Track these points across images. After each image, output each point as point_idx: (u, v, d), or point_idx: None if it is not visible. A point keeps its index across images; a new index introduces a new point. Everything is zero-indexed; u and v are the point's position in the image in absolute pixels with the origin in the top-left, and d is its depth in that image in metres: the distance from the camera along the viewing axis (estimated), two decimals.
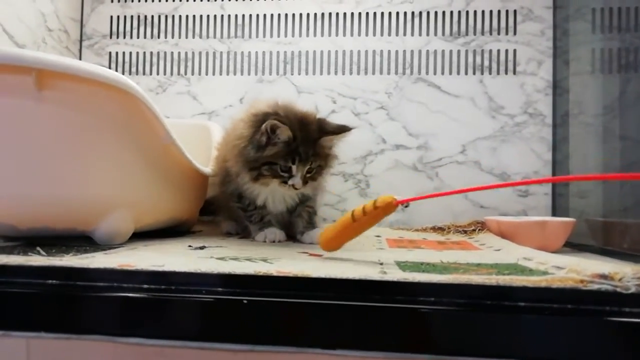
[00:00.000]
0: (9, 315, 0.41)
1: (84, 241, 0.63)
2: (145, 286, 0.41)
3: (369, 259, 0.56)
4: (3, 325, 0.41)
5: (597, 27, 0.93)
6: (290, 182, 0.69)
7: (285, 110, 0.70)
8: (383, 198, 0.53)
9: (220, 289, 0.40)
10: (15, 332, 0.41)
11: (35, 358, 0.40)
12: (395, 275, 0.42)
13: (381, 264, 0.52)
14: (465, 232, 0.88)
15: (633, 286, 0.37)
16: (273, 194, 0.73)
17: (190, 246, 0.64)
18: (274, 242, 0.72)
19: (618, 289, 0.37)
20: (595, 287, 0.37)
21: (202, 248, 0.62)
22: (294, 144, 0.68)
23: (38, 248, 0.53)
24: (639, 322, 0.35)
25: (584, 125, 0.96)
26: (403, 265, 0.51)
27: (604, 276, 0.38)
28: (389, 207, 0.53)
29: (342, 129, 0.71)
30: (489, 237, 0.79)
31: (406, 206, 0.55)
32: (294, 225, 0.76)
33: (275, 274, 0.41)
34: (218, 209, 0.88)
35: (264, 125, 0.66)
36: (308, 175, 0.70)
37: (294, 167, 0.68)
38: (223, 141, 0.83)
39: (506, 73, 1.03)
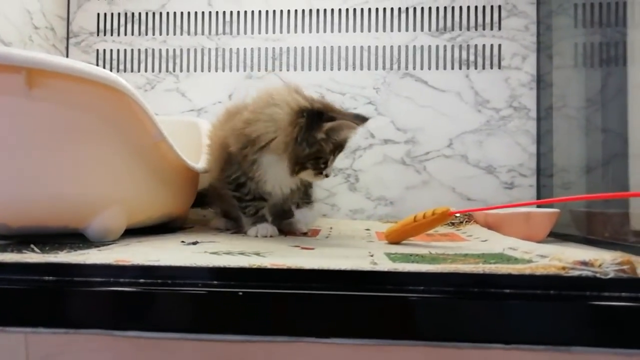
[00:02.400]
0: (6, 311, 0.42)
1: (76, 238, 0.64)
2: (142, 280, 0.42)
3: (360, 251, 0.57)
4: (1, 321, 0.41)
5: (579, 22, 0.95)
6: (325, 172, 0.71)
7: (329, 107, 0.70)
8: (440, 208, 0.63)
9: (215, 282, 0.41)
10: (13, 328, 0.41)
11: (33, 352, 0.41)
12: (386, 265, 0.44)
13: (371, 255, 0.53)
14: (453, 224, 0.90)
15: (612, 272, 0.38)
16: (281, 181, 0.73)
17: (183, 242, 0.64)
18: (265, 237, 0.72)
19: (598, 275, 0.38)
20: (576, 273, 0.39)
21: (195, 243, 0.63)
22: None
23: (32, 246, 0.53)
24: (617, 306, 0.37)
25: (567, 118, 0.98)
26: (393, 257, 0.52)
27: (584, 263, 0.40)
28: (444, 216, 0.63)
29: (361, 119, 0.72)
30: (475, 228, 0.81)
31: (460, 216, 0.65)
32: (290, 202, 0.77)
33: (269, 266, 0.42)
34: (211, 200, 0.88)
35: (328, 125, 0.67)
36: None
37: (331, 158, 0.71)
38: (216, 128, 0.82)
39: (491, 68, 1.05)
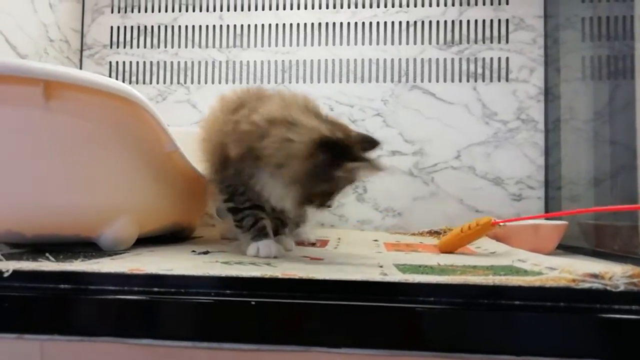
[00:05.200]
0: (23, 318, 0.42)
1: (89, 247, 0.64)
2: (156, 289, 0.42)
3: (369, 262, 0.57)
4: (17, 328, 0.42)
5: (586, 36, 0.96)
6: (328, 203, 0.61)
7: (349, 137, 0.60)
8: (483, 219, 0.69)
9: (228, 291, 0.42)
10: (29, 335, 0.42)
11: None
12: (396, 276, 0.44)
13: (381, 266, 0.53)
14: None
15: (622, 284, 0.39)
16: (283, 200, 0.61)
17: (194, 251, 0.65)
18: (268, 257, 0.60)
19: (608, 287, 0.39)
20: (586, 285, 0.39)
21: (205, 253, 0.64)
22: None
23: (47, 254, 0.54)
24: (627, 319, 0.37)
25: (575, 130, 0.99)
26: (402, 268, 0.52)
27: (594, 275, 0.40)
28: (488, 226, 0.69)
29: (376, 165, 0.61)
30: (484, 240, 0.81)
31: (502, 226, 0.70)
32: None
33: (281, 276, 0.43)
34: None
35: (352, 165, 0.58)
36: None
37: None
38: (213, 121, 0.69)
39: (499, 80, 1.06)
